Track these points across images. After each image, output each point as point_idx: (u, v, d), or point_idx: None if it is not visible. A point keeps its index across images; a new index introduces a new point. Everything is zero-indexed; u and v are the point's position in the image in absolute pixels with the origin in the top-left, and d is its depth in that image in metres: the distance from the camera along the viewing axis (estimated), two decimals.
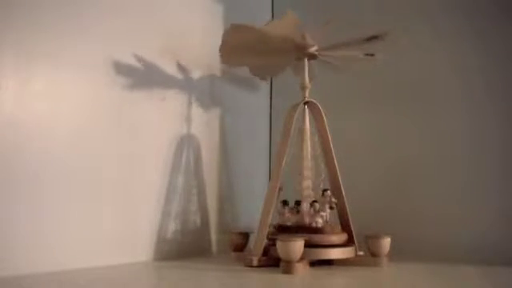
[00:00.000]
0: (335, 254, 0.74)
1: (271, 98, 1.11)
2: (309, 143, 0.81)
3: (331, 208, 0.77)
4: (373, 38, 0.77)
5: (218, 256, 0.90)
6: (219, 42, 0.81)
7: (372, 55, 0.80)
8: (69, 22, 0.72)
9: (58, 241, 0.69)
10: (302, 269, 0.69)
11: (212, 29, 0.94)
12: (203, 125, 0.93)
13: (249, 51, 0.81)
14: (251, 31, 0.77)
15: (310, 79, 0.81)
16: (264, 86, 1.09)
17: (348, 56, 0.81)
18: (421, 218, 0.89)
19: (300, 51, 0.80)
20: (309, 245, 0.71)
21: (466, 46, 0.88)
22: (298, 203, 0.78)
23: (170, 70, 0.87)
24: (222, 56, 0.83)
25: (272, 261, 0.73)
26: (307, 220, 0.76)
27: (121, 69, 0.78)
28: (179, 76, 0.89)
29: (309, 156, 0.80)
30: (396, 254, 0.79)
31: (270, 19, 1.08)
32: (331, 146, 0.80)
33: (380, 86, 0.95)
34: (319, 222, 0.75)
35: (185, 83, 0.90)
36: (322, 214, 0.76)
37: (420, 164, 0.90)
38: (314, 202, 0.77)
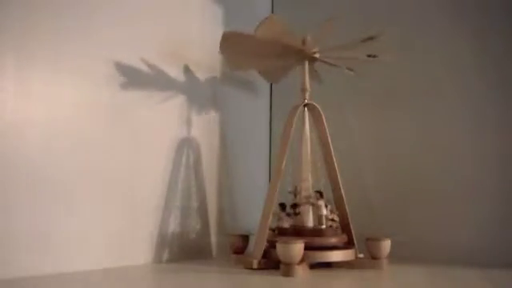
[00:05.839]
0: (335, 256, 0.74)
1: (271, 100, 1.11)
2: (308, 145, 0.81)
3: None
4: (368, 40, 0.77)
5: (218, 258, 0.90)
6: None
7: (374, 56, 0.80)
8: (69, 25, 0.72)
9: (58, 243, 0.69)
10: (301, 271, 0.69)
11: (212, 30, 0.94)
12: (203, 127, 0.93)
13: (250, 57, 0.82)
14: (246, 39, 0.77)
15: (319, 83, 0.81)
16: (264, 87, 1.09)
17: (350, 58, 0.81)
18: (421, 220, 0.88)
19: (300, 54, 0.80)
20: (309, 247, 0.71)
21: (465, 47, 0.88)
22: (294, 206, 0.78)
23: (170, 72, 0.87)
24: (228, 62, 0.84)
25: (272, 263, 0.73)
26: (309, 223, 0.76)
27: (121, 72, 0.78)
28: (179, 78, 0.89)
29: (308, 158, 0.80)
30: (396, 256, 0.79)
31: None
32: (331, 148, 0.80)
33: (380, 88, 0.95)
34: (322, 223, 0.75)
35: (185, 85, 0.90)
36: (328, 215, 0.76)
37: (420, 166, 0.90)
38: (314, 204, 0.77)
